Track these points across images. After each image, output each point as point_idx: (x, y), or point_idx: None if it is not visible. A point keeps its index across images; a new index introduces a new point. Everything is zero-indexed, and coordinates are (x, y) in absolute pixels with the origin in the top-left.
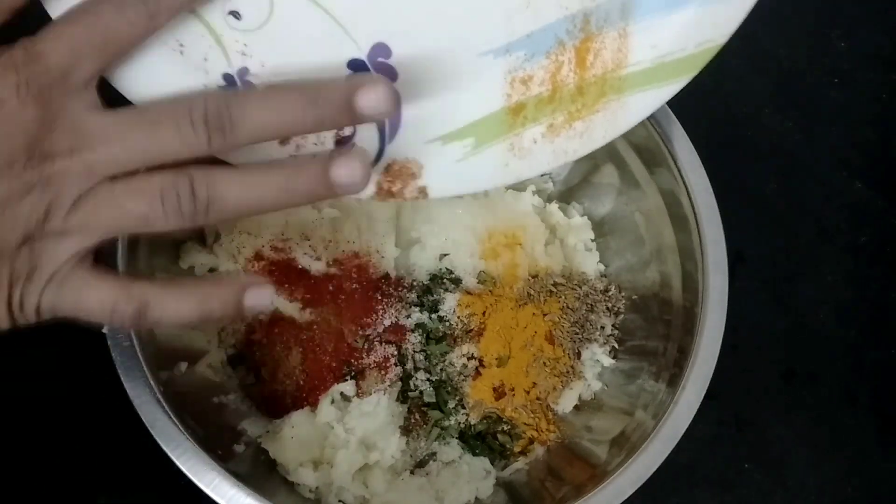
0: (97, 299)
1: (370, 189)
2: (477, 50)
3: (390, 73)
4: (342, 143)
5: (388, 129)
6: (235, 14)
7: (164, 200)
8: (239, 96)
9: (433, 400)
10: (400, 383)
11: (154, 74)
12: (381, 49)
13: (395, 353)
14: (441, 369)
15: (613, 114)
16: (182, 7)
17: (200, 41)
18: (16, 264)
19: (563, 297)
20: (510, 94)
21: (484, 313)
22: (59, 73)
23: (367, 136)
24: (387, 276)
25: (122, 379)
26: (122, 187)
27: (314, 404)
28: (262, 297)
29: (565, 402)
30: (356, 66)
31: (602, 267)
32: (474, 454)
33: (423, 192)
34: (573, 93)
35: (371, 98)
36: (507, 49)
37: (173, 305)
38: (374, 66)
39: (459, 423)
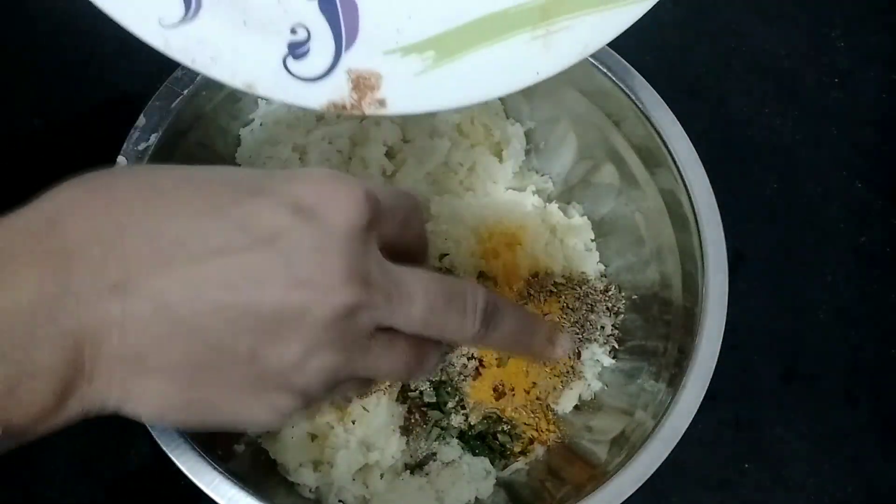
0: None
1: (322, 101)
2: None
3: None
4: (298, 46)
5: (344, 34)
6: None
7: (410, 363)
8: (505, 305)
9: (433, 400)
10: (400, 383)
11: None
12: None
13: None
14: (441, 369)
15: (581, 31)
16: None
17: None
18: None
19: (563, 297)
20: (471, 8)
21: None
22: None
23: (322, 41)
24: None
25: None
26: (395, 344)
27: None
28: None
29: (565, 402)
30: None
31: (602, 267)
32: (474, 454)
33: (381, 104)
34: (538, 10)
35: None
36: None
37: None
38: None
39: (459, 423)
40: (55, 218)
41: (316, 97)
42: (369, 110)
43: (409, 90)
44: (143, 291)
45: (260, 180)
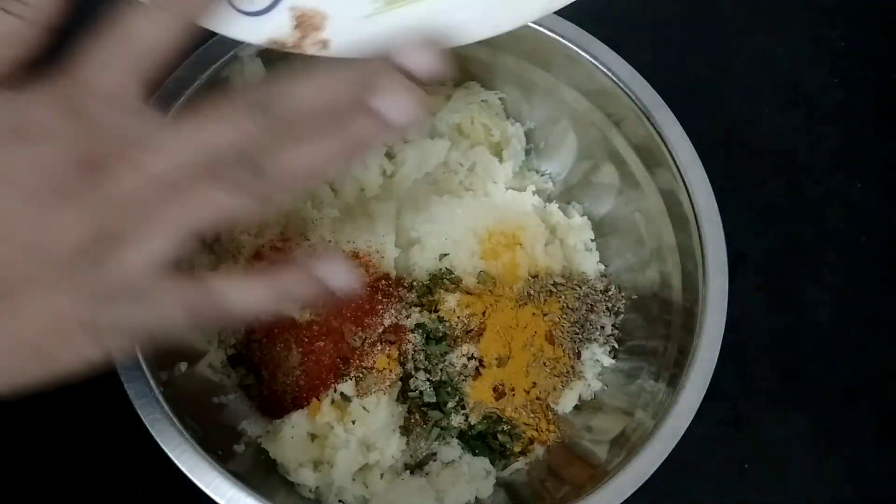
0: (179, 303)
1: (263, 37)
2: None
3: None
4: None
5: None
6: None
7: (232, 182)
8: (283, 85)
9: (433, 400)
10: (400, 383)
11: None
12: None
13: (396, 353)
14: (441, 369)
15: None
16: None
17: None
18: (94, 285)
19: (563, 297)
20: None
21: (484, 313)
22: (93, 85)
23: None
24: (387, 276)
25: (122, 379)
26: (190, 183)
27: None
28: (338, 270)
29: (565, 402)
30: None
31: (602, 267)
32: (474, 454)
33: (325, 45)
34: None
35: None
36: None
37: (252, 294)
38: None
39: (459, 423)
40: None
41: (258, 32)
42: (311, 50)
43: (354, 33)
44: None
45: None
